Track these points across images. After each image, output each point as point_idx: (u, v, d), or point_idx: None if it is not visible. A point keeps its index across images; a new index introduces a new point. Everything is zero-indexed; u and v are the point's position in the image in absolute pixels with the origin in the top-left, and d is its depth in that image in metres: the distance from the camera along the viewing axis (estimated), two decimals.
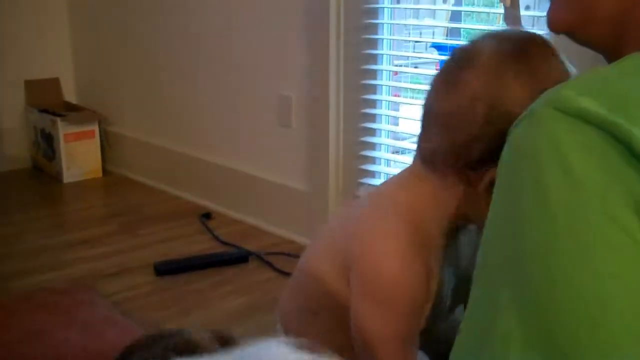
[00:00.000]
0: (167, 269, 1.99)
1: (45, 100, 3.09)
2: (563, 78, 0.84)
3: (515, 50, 0.88)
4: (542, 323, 0.56)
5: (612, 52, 0.71)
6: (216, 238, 2.26)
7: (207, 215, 2.45)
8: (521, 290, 0.58)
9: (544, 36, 0.92)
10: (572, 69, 0.90)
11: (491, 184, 0.88)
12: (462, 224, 1.00)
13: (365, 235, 0.97)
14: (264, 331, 1.62)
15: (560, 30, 0.75)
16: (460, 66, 0.90)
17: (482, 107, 0.86)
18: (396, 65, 2.11)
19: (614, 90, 0.59)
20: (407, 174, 1.01)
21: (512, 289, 0.59)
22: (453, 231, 0.99)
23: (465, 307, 1.08)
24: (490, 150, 0.85)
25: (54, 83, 3.17)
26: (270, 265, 2.04)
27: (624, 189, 0.55)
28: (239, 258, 2.08)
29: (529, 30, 0.99)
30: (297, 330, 1.10)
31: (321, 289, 1.02)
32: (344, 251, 0.98)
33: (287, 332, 1.12)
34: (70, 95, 3.23)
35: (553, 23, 0.76)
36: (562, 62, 0.89)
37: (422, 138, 0.96)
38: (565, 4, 0.73)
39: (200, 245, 2.22)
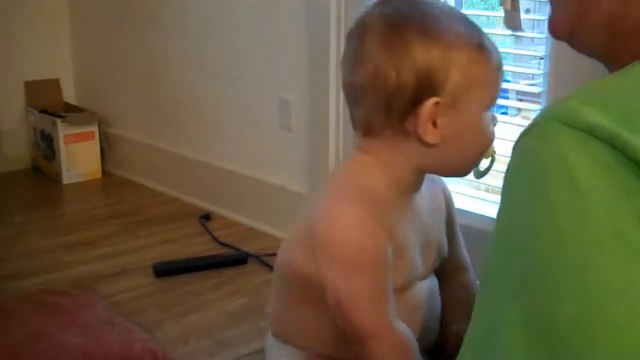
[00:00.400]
0: (166, 270, 1.99)
1: (45, 101, 3.09)
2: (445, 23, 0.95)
3: (401, 10, 0.96)
4: (548, 340, 0.55)
5: (609, 59, 0.71)
6: (215, 240, 2.26)
7: (206, 217, 2.45)
8: (527, 306, 0.57)
9: None
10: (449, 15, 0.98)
11: (431, 121, 0.94)
12: (417, 180, 1.04)
13: (320, 217, 0.99)
14: (263, 333, 1.62)
15: (559, 36, 0.77)
16: (358, 41, 0.99)
17: (390, 70, 0.94)
18: None
19: (621, 103, 0.58)
20: (352, 150, 1.06)
21: (518, 304, 0.58)
22: (408, 190, 1.03)
23: (441, 284, 1.11)
24: (413, 95, 0.94)
25: (54, 84, 3.17)
26: (269, 266, 2.04)
27: (631, 204, 0.54)
28: (238, 260, 2.09)
29: None
30: (285, 329, 1.11)
31: (298, 278, 1.04)
32: (309, 237, 1.00)
33: (277, 333, 1.12)
34: (70, 96, 3.23)
35: (552, 29, 0.78)
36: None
37: (351, 112, 1.02)
38: (563, 10, 0.74)
39: (200, 246, 2.22)
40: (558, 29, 0.76)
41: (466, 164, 1.03)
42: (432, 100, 0.93)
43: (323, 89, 2.09)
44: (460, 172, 1.07)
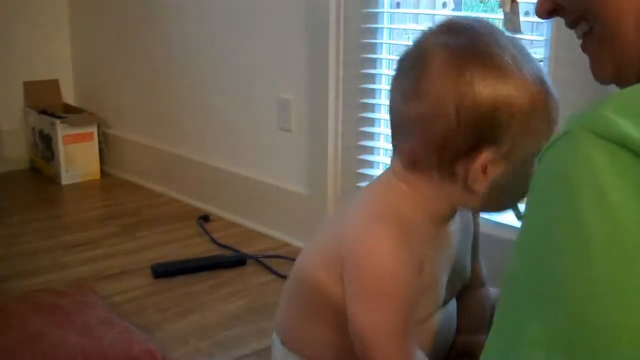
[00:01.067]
0: (165, 271, 2.00)
1: (44, 101, 3.09)
2: (519, 66, 0.88)
3: (468, 45, 0.90)
4: (573, 357, 0.54)
5: None
6: (214, 241, 2.26)
7: (205, 218, 2.45)
8: (551, 324, 0.56)
9: (488, 20, 0.95)
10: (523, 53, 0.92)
11: (482, 169, 0.90)
12: (453, 212, 1.00)
13: (352, 237, 0.97)
14: (262, 334, 1.63)
15: (607, 82, 0.75)
16: (416, 71, 0.91)
17: (451, 107, 0.87)
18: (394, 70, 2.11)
19: None
20: (388, 173, 1.01)
21: (541, 322, 0.56)
22: (443, 221, 1.00)
23: (457, 299, 1.10)
24: (472, 140, 0.88)
25: (53, 85, 3.18)
26: (268, 268, 2.04)
27: None
28: (237, 261, 2.09)
29: (469, 17, 0.99)
30: (296, 339, 1.10)
31: (318, 294, 1.02)
32: (336, 255, 0.98)
33: (286, 341, 1.11)
34: (69, 97, 3.23)
35: (598, 78, 0.76)
36: (513, 46, 0.91)
37: (396, 141, 0.96)
38: (601, 62, 0.73)
39: (198, 247, 2.22)
40: (603, 79, 0.75)
41: (506, 206, 0.99)
42: (490, 150, 0.88)
43: (322, 89, 2.09)
44: (498, 212, 1.03)
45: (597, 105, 0.58)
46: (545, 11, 0.78)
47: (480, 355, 0.64)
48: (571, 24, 0.77)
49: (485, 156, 0.88)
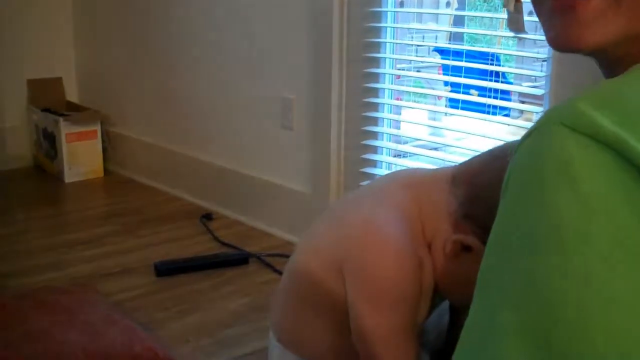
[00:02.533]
0: (167, 269, 2.00)
1: (48, 99, 3.09)
2: None
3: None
4: (545, 349, 0.54)
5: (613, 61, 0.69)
6: (216, 239, 2.26)
7: (207, 216, 2.46)
8: (524, 313, 0.56)
9: None
10: None
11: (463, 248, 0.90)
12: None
13: (354, 240, 0.97)
14: (264, 333, 1.63)
15: (570, 51, 0.69)
16: None
17: None
18: (398, 69, 2.12)
19: (627, 106, 0.57)
20: (413, 178, 1.01)
21: (514, 311, 0.57)
22: None
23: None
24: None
25: (57, 82, 3.18)
26: (270, 266, 2.04)
27: (636, 216, 0.53)
28: (239, 259, 2.09)
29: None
30: (292, 337, 1.09)
31: (316, 293, 1.01)
32: (336, 257, 0.98)
33: (282, 339, 1.11)
34: (72, 95, 3.23)
35: (584, 43, 0.69)
36: None
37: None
38: (596, 27, 0.67)
39: (201, 246, 2.22)
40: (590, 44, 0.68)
41: None
42: None
43: (325, 88, 2.09)
44: None
45: (572, 99, 0.58)
46: None
47: (456, 346, 0.64)
48: None
49: None
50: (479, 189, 0.92)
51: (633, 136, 0.54)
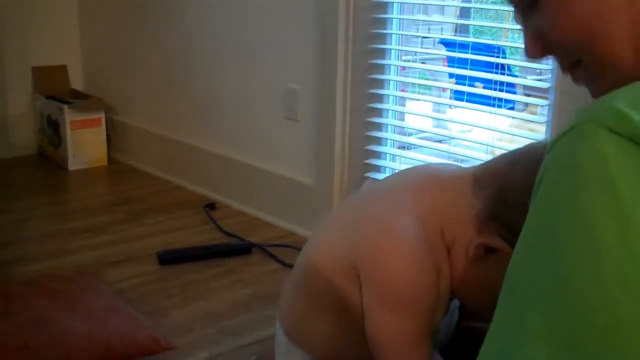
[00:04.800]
0: (170, 258, 2.00)
1: (52, 87, 3.09)
2: None
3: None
4: (573, 354, 0.53)
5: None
6: (220, 229, 2.26)
7: (211, 206, 2.46)
8: (553, 317, 0.55)
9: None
10: None
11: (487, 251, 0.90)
12: None
13: (373, 241, 0.95)
14: (266, 323, 1.63)
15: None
16: None
17: None
18: (404, 61, 2.11)
19: None
20: (434, 178, 1.01)
21: (543, 315, 0.55)
22: None
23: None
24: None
25: (61, 70, 3.18)
26: (273, 256, 2.05)
27: None
28: (242, 249, 2.09)
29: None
30: (301, 331, 1.09)
31: (327, 289, 1.00)
32: (351, 258, 0.96)
33: (289, 333, 1.11)
34: (77, 82, 3.23)
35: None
36: None
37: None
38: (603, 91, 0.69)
39: (204, 235, 2.22)
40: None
41: None
42: None
43: (330, 79, 2.08)
44: None
45: (607, 99, 0.57)
46: (534, 54, 0.76)
47: (481, 348, 0.63)
48: (565, 64, 0.75)
49: None
50: (505, 190, 0.90)
51: None
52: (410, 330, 0.93)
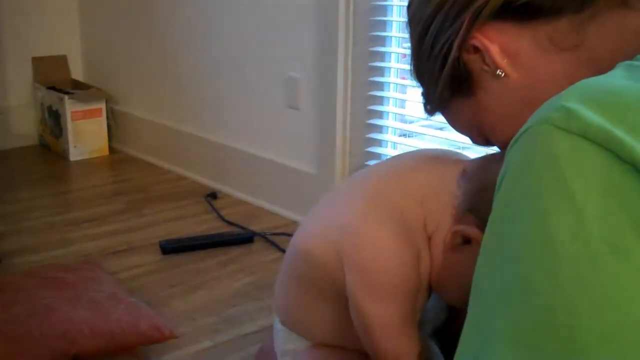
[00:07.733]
0: (172, 247, 2.00)
1: (53, 77, 3.09)
2: None
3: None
4: (536, 355, 0.53)
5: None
6: (222, 218, 2.27)
7: (213, 195, 2.46)
8: (515, 319, 0.55)
9: None
10: None
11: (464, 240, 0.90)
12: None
13: (354, 225, 0.96)
14: (269, 311, 1.63)
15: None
16: None
17: None
18: (405, 48, 2.10)
19: (614, 101, 0.55)
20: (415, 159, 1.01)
21: (506, 317, 0.56)
22: None
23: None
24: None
25: (62, 60, 3.17)
26: (275, 245, 2.05)
27: (629, 215, 0.52)
28: (244, 238, 2.09)
29: None
30: (296, 319, 1.09)
31: (319, 275, 1.01)
32: (337, 242, 0.97)
33: (285, 322, 1.11)
34: (77, 73, 3.23)
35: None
36: None
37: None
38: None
39: (206, 224, 2.22)
40: None
41: None
42: None
43: (331, 67, 2.08)
44: None
45: (557, 98, 0.57)
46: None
47: (456, 351, 0.63)
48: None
49: None
50: (484, 186, 0.91)
51: (622, 129, 0.52)
52: (392, 314, 0.94)
